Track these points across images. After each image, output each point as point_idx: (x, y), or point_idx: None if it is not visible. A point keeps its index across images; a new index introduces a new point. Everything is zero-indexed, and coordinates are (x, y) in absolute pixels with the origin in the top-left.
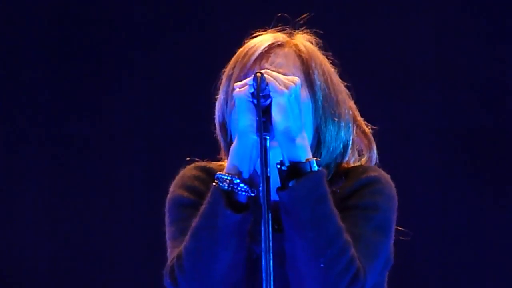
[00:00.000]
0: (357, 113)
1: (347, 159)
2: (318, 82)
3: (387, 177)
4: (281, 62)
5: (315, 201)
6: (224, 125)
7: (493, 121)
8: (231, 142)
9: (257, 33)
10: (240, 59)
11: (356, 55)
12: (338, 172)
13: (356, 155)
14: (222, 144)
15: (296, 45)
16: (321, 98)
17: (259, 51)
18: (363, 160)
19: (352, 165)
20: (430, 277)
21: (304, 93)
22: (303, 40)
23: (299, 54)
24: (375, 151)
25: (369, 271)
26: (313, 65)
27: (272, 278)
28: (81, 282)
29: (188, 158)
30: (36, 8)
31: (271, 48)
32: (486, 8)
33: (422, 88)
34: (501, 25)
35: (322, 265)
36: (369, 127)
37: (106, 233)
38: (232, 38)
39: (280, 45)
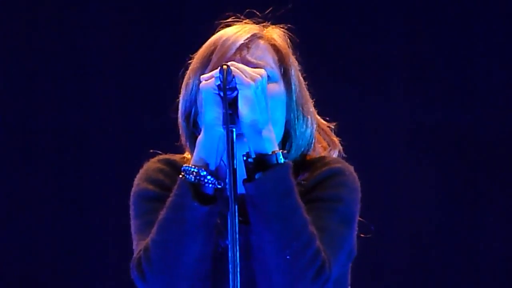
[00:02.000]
0: (315, 111)
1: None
2: (294, 78)
3: (351, 168)
4: (261, 55)
5: (281, 194)
6: (189, 114)
7: (462, 116)
8: (193, 131)
9: (230, 21)
10: (219, 47)
11: (326, 50)
12: (302, 163)
13: (318, 150)
14: (183, 133)
15: (274, 39)
16: (295, 93)
17: (240, 41)
18: (325, 153)
19: (316, 156)
20: (394, 269)
21: (281, 88)
22: (278, 34)
23: (277, 49)
24: (339, 147)
25: (334, 263)
26: (290, 60)
27: (239, 270)
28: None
29: (151, 151)
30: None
31: (252, 39)
32: (458, 2)
33: (391, 82)
34: (473, 19)
35: (288, 257)
36: (328, 124)
37: (74, 229)
38: (199, 29)
39: (260, 37)
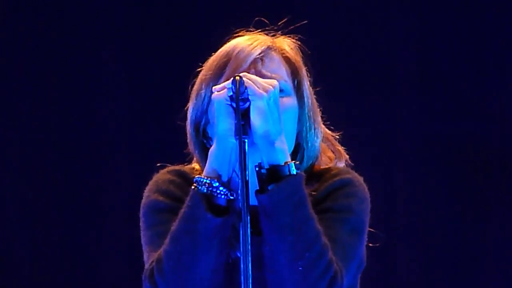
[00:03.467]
0: (321, 121)
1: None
2: (306, 91)
3: (360, 179)
4: (275, 68)
5: (294, 205)
6: (198, 123)
7: (473, 127)
8: (203, 140)
9: (241, 33)
10: (233, 59)
11: (337, 58)
12: (311, 174)
13: (324, 160)
14: (191, 141)
15: (285, 51)
16: (307, 105)
17: (255, 54)
18: (332, 164)
19: (324, 167)
20: (404, 279)
21: (294, 101)
22: (290, 46)
23: (290, 61)
24: (345, 157)
25: (346, 274)
26: (303, 73)
27: (250, 281)
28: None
29: (158, 164)
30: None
31: (266, 52)
32: (469, 12)
33: (403, 93)
34: (483, 29)
35: (300, 268)
36: (333, 134)
37: (85, 241)
38: (209, 40)
39: (273, 50)
